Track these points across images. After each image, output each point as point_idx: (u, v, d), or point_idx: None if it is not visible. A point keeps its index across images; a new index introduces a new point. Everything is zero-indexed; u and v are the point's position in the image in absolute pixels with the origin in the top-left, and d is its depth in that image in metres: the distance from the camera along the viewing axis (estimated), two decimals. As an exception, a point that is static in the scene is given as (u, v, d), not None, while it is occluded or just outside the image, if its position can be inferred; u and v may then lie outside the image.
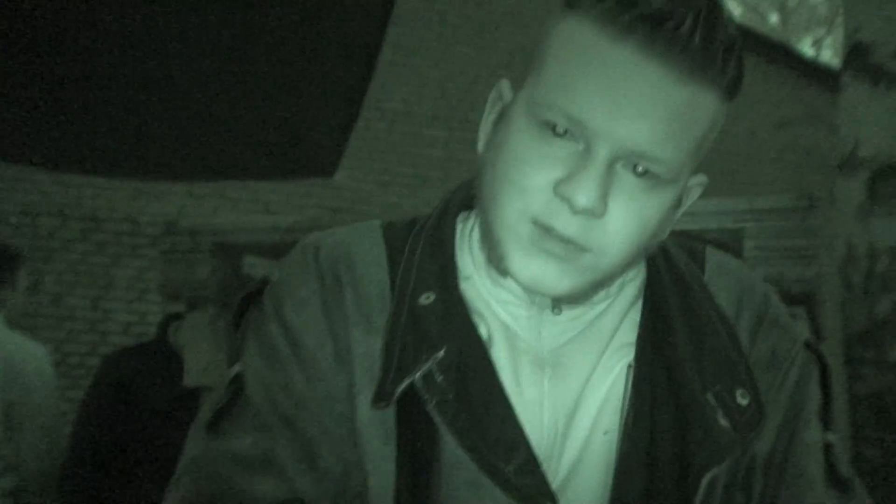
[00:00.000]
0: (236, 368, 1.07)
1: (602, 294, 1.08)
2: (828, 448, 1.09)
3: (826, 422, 1.11)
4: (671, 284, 1.10)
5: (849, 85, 4.09)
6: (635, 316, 1.10)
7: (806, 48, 20.22)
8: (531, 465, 0.97)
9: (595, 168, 0.92)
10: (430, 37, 8.92)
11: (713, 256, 1.18)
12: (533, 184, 0.95)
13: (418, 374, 0.99)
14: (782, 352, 1.11)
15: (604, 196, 0.93)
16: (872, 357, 3.81)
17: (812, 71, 10.75)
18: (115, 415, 3.29)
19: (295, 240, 2.15)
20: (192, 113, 3.91)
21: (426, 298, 1.04)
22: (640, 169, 0.95)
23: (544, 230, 0.95)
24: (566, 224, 0.94)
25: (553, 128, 0.94)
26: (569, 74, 0.93)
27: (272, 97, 3.92)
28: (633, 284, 1.13)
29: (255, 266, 2.36)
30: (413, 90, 8.87)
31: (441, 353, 0.99)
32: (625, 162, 0.95)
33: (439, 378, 0.98)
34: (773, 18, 21.33)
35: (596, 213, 0.93)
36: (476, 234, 1.11)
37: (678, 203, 1.05)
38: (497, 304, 1.08)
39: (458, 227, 1.15)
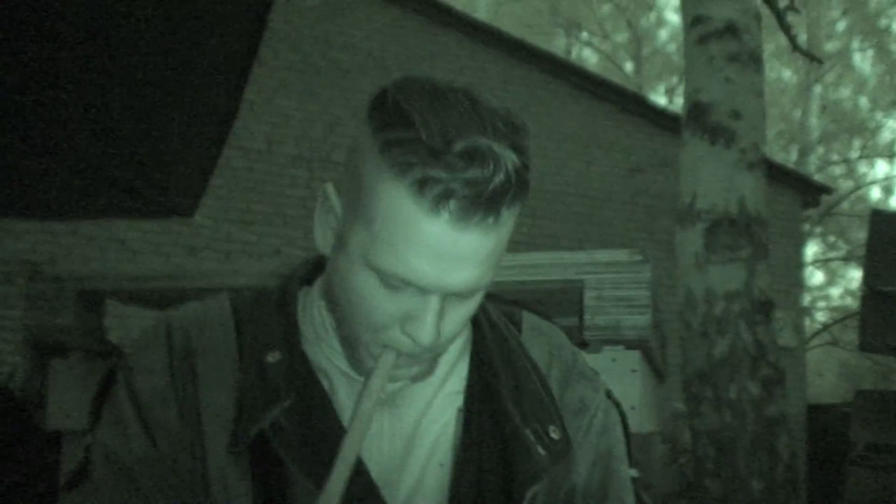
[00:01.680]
0: (88, 439, 1.21)
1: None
2: (634, 481, 1.31)
3: (630, 460, 1.33)
4: (493, 341, 1.28)
5: (689, 142, 4.35)
6: (462, 368, 1.27)
7: (659, 96, 21.01)
8: (370, 490, 1.13)
9: (430, 313, 1.08)
10: (292, 78, 8.99)
11: (529, 319, 1.38)
12: (382, 322, 1.10)
13: (267, 422, 1.12)
14: (588, 400, 1.30)
15: (438, 328, 1.09)
16: (711, 395, 4.03)
17: (663, 119, 11.18)
18: None
19: (155, 287, 2.22)
20: (48, 150, 3.87)
21: (272, 357, 1.17)
22: (466, 295, 1.11)
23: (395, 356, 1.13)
24: (412, 349, 1.11)
25: (391, 286, 1.08)
26: (397, 246, 1.04)
27: (132, 135, 3.90)
28: (458, 341, 1.29)
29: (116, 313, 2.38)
30: (275, 130, 8.92)
31: (287, 403, 1.13)
32: (451, 298, 1.10)
33: (285, 424, 1.13)
34: (628, 66, 22.07)
35: (437, 341, 1.10)
36: (316, 312, 1.25)
37: None
38: (339, 360, 1.22)
39: (300, 299, 1.29)
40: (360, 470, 1.13)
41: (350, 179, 1.11)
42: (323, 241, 1.17)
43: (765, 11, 5.38)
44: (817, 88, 21.04)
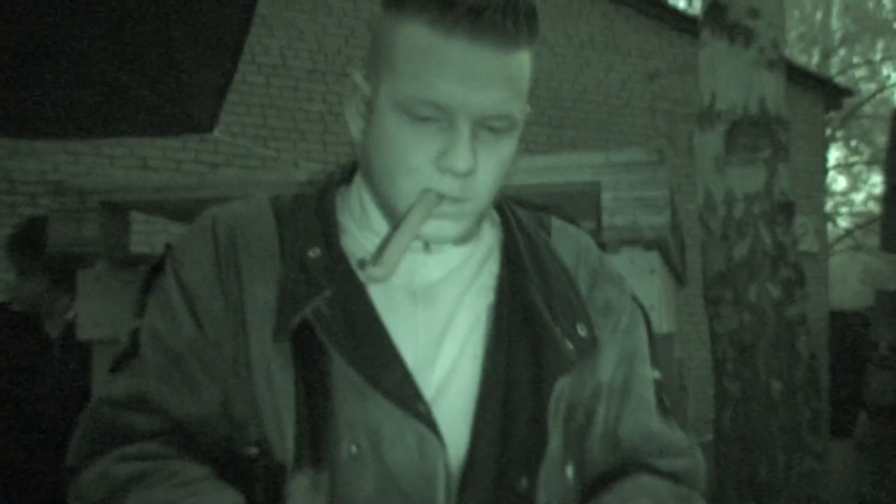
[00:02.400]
0: (136, 323, 1.28)
1: (467, 242, 1.32)
2: (656, 383, 1.37)
3: (654, 361, 1.38)
4: (523, 243, 1.33)
5: (707, 42, 4.29)
6: (493, 266, 1.32)
7: (679, 0, 20.67)
8: (405, 377, 1.18)
9: (462, 138, 1.15)
10: (305, -10, 8.92)
11: (557, 224, 1.44)
12: (418, 163, 1.17)
13: (309, 310, 1.19)
14: (615, 301, 1.36)
15: (474, 157, 1.16)
16: (731, 297, 4.04)
17: (682, 22, 11.03)
18: None
19: (177, 198, 2.24)
20: (67, 69, 3.87)
21: (313, 252, 1.24)
22: (494, 126, 1.17)
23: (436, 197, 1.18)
24: (451, 187, 1.18)
25: (420, 116, 1.16)
26: (420, 73, 1.14)
27: (148, 53, 3.89)
28: (488, 238, 1.36)
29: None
30: (289, 44, 8.86)
31: (328, 293, 1.20)
32: (481, 125, 1.17)
33: (327, 312, 1.19)
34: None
35: (472, 171, 1.16)
36: (356, 202, 1.33)
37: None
38: (365, 256, 1.29)
39: (338, 198, 1.35)
40: (395, 358, 1.19)
41: (371, 54, 1.23)
42: (355, 125, 1.27)
43: None
44: (839, -11, 20.64)
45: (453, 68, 1.12)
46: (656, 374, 1.37)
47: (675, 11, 11.33)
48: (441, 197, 1.18)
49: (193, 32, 3.82)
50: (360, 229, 1.31)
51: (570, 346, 1.24)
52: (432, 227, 1.20)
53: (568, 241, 1.39)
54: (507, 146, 1.20)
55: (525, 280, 1.28)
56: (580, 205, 2.29)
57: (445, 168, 1.16)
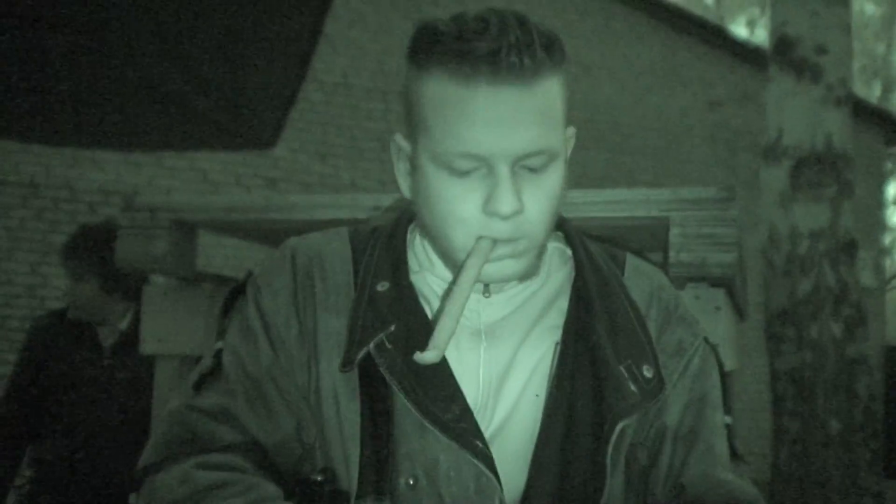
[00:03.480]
0: (219, 344, 1.33)
1: (531, 278, 1.32)
2: (728, 428, 1.34)
3: (726, 407, 1.36)
4: (594, 281, 1.32)
5: (775, 77, 4.26)
6: (563, 303, 1.32)
7: (740, 28, 20.55)
8: (465, 414, 1.20)
9: (503, 181, 1.16)
10: (367, 10, 8.97)
11: (631, 261, 1.43)
12: (466, 214, 1.19)
13: (372, 344, 1.22)
14: (687, 343, 1.34)
15: (518, 197, 1.17)
16: (792, 335, 3.99)
17: (744, 52, 10.96)
18: (42, 376, 3.38)
19: (246, 218, 2.27)
20: (131, 82, 3.93)
21: (382, 286, 1.28)
22: (533, 164, 1.18)
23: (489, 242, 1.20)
24: (502, 230, 1.19)
25: (460, 170, 1.18)
26: (450, 126, 1.17)
27: (213, 67, 3.94)
28: (558, 276, 1.36)
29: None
30: (351, 62, 8.93)
31: (392, 328, 1.23)
32: (520, 165, 1.18)
33: (389, 347, 1.22)
34: (709, -2, 21.61)
35: (519, 211, 1.17)
36: (420, 247, 1.36)
37: (566, 162, 1.27)
38: (432, 294, 1.32)
39: (409, 235, 1.38)
40: (456, 394, 1.20)
41: (407, 114, 1.26)
42: (404, 184, 1.30)
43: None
44: (903, 21, 20.36)
45: (480, 116, 1.14)
46: (728, 420, 1.35)
47: (736, 41, 11.28)
48: (494, 242, 1.19)
49: (259, 48, 3.86)
50: (426, 271, 1.33)
51: (633, 388, 1.24)
52: (494, 269, 1.21)
53: (642, 280, 1.38)
54: (551, 178, 1.21)
55: (592, 319, 1.28)
56: (647, 240, 2.28)
57: (492, 213, 1.17)
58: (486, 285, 1.29)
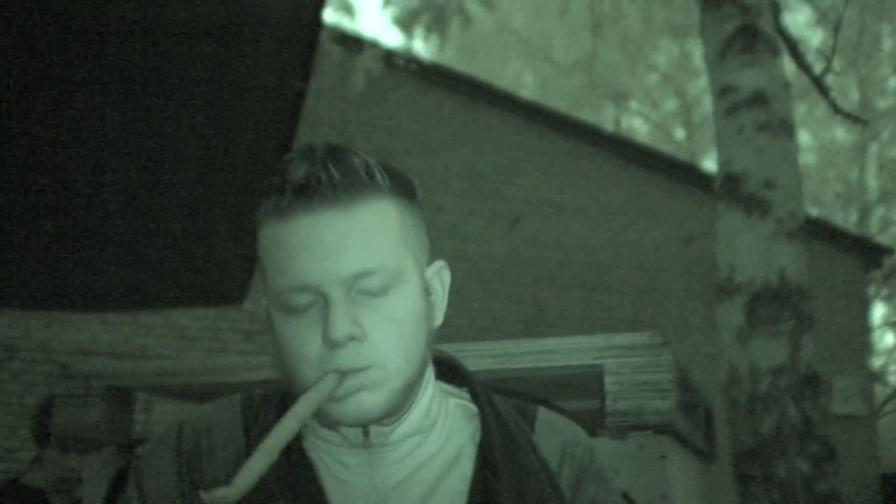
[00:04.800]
0: None
1: (420, 428, 1.25)
2: None
3: None
4: (500, 441, 1.25)
5: (724, 214, 4.31)
6: (465, 467, 1.25)
7: (712, 162, 20.89)
8: None
9: (335, 306, 1.12)
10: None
11: (543, 415, 1.35)
12: (308, 350, 1.15)
13: None
14: (600, 500, 1.27)
15: (353, 322, 1.12)
16: (760, 475, 3.92)
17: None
18: None
19: (182, 382, 2.25)
20: (102, 244, 3.97)
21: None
22: (370, 288, 1.15)
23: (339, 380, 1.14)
24: (344, 359, 1.13)
25: (296, 306, 1.15)
26: (278, 263, 1.16)
27: (180, 225, 3.99)
28: (460, 436, 1.29)
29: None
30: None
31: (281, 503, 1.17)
32: (354, 290, 1.14)
33: None
34: (680, 134, 22.04)
35: (356, 335, 1.13)
36: None
37: (428, 294, 1.24)
38: (332, 463, 1.24)
39: None
40: None
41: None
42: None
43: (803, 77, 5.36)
44: (874, 147, 20.74)
45: (301, 244, 1.13)
46: None
47: (708, 176, 11.44)
48: (342, 375, 1.13)
49: (220, 205, 3.91)
50: (319, 439, 1.27)
51: None
52: (350, 406, 1.15)
53: (553, 436, 1.32)
54: (397, 302, 1.17)
55: (496, 484, 1.21)
56: (581, 389, 2.26)
57: (329, 342, 1.12)
58: (365, 434, 1.22)
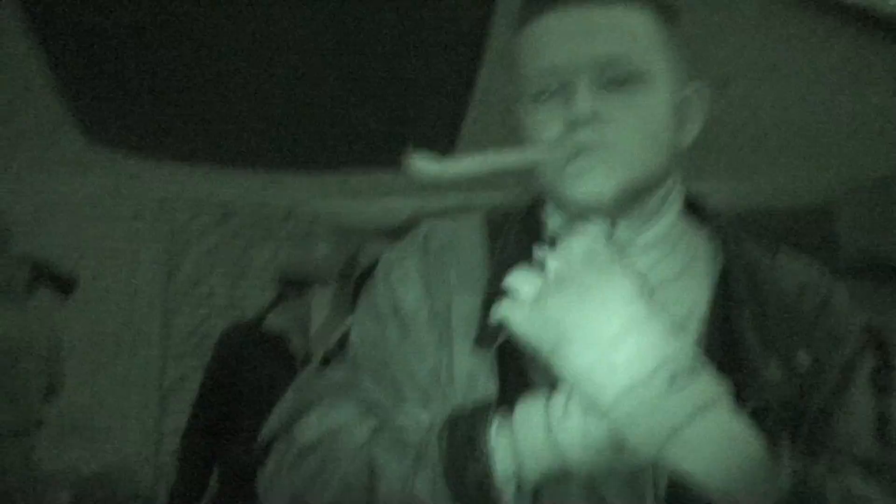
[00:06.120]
0: (346, 324, 1.34)
1: (666, 240, 1.26)
2: (882, 416, 1.21)
3: (886, 393, 1.23)
4: (741, 269, 1.26)
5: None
6: (706, 293, 1.26)
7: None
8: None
9: (580, 87, 1.15)
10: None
11: (785, 251, 1.35)
12: (550, 133, 1.18)
13: None
14: (839, 332, 1.25)
15: (594, 104, 1.15)
16: None
17: None
18: (224, 388, 3.49)
19: (403, 225, 2.29)
20: (312, 109, 4.07)
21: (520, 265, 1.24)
22: (615, 77, 1.17)
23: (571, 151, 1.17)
24: (581, 138, 1.15)
25: (540, 91, 1.18)
26: (532, 51, 1.19)
27: (383, 90, 4.05)
28: (702, 263, 1.29)
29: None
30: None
31: None
32: (601, 80, 1.16)
33: None
34: (902, -5, 20.62)
35: (597, 114, 1.15)
36: (551, 216, 1.31)
37: (679, 107, 1.25)
38: None
39: (548, 212, 1.33)
40: None
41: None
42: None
43: None
44: None
45: (556, 31, 1.17)
46: (889, 406, 1.22)
47: None
48: (575, 148, 1.16)
49: (425, 69, 3.93)
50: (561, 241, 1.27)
51: (779, 375, 1.17)
52: (584, 181, 1.17)
53: (795, 271, 1.30)
54: (643, 100, 1.17)
55: (737, 311, 1.21)
56: (816, 228, 2.19)
57: (571, 122, 1.15)
58: (612, 226, 1.23)
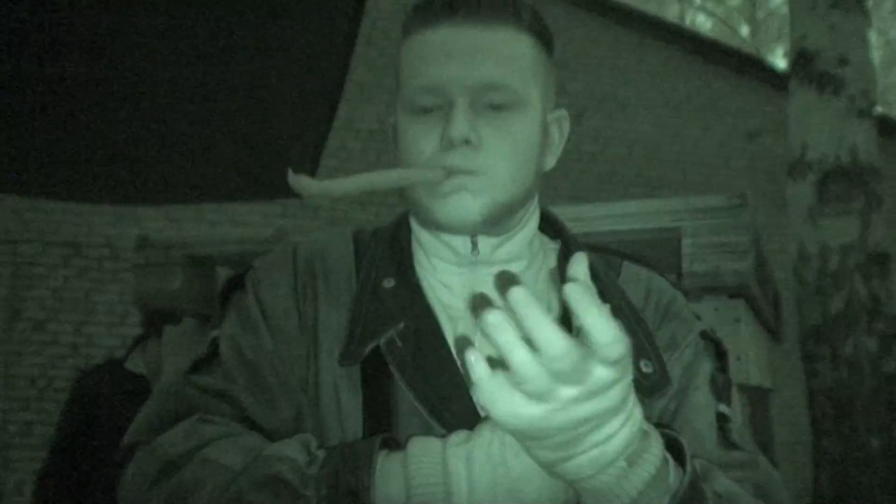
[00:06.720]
0: (215, 332, 1.32)
1: (523, 254, 1.31)
2: (721, 416, 1.26)
3: (720, 395, 1.28)
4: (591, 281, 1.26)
5: (796, 92, 4.25)
6: (554, 304, 1.29)
7: (777, 58, 20.44)
8: (470, 412, 1.17)
9: (459, 110, 1.19)
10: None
11: (629, 267, 1.40)
12: (425, 148, 1.23)
13: (383, 340, 1.22)
14: (680, 337, 1.30)
15: (472, 128, 1.19)
16: (827, 353, 3.93)
17: (781, 82, 10.83)
18: (85, 430, 3.42)
19: (260, 250, 2.27)
20: (166, 136, 3.99)
21: (388, 283, 1.28)
22: (494, 101, 1.21)
23: (445, 175, 1.21)
24: (456, 159, 1.20)
25: (421, 106, 1.23)
26: (414, 66, 1.24)
27: (244, 118, 4.00)
28: (545, 268, 1.34)
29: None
30: (386, 109, 9.00)
31: (401, 325, 1.23)
32: (480, 102, 1.21)
33: (400, 344, 1.22)
34: (744, 30, 21.55)
35: (471, 140, 1.19)
36: (418, 230, 1.34)
37: (546, 132, 1.31)
38: (437, 285, 1.30)
39: (413, 228, 1.37)
40: (460, 392, 1.19)
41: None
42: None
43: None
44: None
45: (439, 50, 1.21)
46: (721, 408, 1.26)
47: (773, 71, 11.21)
48: (448, 172, 1.20)
49: (286, 94, 3.91)
50: (428, 256, 1.32)
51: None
52: (454, 203, 1.21)
53: (638, 283, 1.36)
54: (517, 125, 1.23)
55: None
56: (661, 252, 2.27)
57: (446, 141, 1.19)
58: (474, 246, 1.28)
